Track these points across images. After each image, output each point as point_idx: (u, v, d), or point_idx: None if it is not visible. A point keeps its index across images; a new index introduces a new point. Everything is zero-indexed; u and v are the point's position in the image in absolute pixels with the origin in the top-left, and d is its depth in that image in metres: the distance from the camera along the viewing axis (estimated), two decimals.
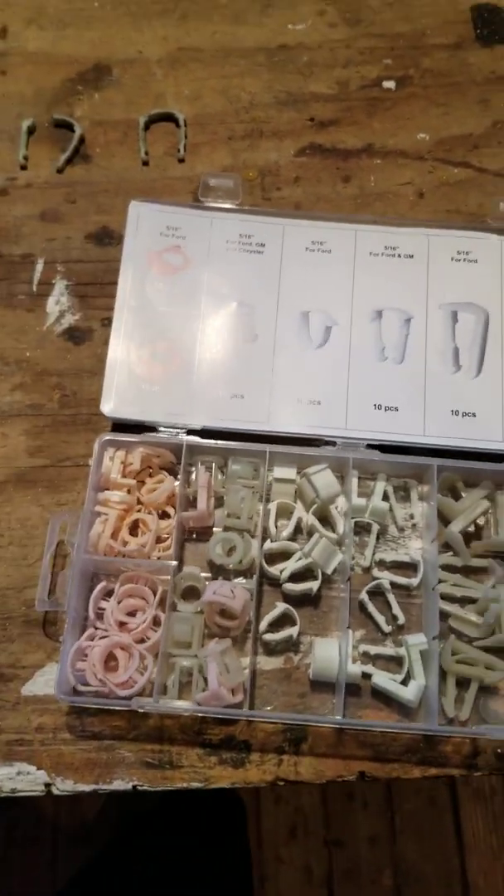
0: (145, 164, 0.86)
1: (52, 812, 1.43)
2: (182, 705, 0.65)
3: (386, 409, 0.73)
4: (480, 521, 0.72)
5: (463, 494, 0.73)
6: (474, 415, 0.73)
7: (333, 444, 0.72)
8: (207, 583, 0.68)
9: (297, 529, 0.72)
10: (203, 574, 0.71)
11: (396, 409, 0.73)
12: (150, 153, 0.86)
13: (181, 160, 0.86)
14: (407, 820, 1.49)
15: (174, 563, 0.68)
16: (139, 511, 0.71)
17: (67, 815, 1.43)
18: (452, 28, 0.93)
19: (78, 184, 0.85)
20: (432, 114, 0.89)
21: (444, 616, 0.70)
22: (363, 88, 0.90)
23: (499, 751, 0.66)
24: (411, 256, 0.78)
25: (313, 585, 0.69)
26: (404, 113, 0.89)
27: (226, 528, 0.71)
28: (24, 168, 0.85)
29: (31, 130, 0.86)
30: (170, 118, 0.87)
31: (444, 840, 1.47)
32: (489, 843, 1.48)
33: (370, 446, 0.72)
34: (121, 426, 0.74)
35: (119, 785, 0.65)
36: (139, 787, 0.65)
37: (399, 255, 0.78)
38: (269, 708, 0.67)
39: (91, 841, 1.40)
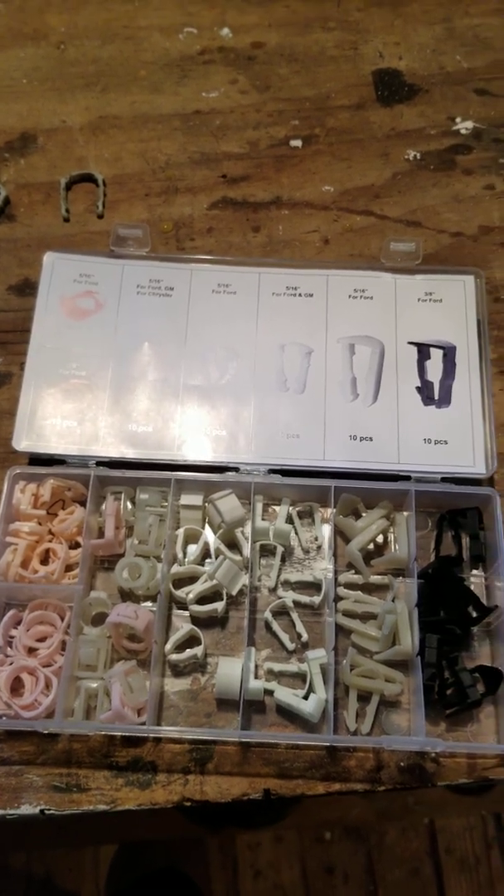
0: (66, 220, 0.91)
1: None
2: (84, 724, 0.66)
3: (288, 437, 0.77)
4: (380, 540, 0.75)
5: (364, 515, 0.75)
6: (371, 439, 0.77)
7: (237, 469, 0.76)
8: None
9: (207, 554, 0.75)
10: (113, 601, 0.73)
11: (298, 435, 0.77)
12: (71, 211, 0.92)
13: (100, 216, 0.91)
14: (390, 893, 1.46)
15: (80, 586, 0.70)
16: (51, 541, 0.74)
17: None
18: (355, 91, 1.00)
19: (1, 241, 0.90)
20: (336, 168, 0.95)
21: (347, 633, 0.72)
22: (272, 147, 0.97)
23: (402, 764, 0.68)
24: (311, 295, 0.83)
25: (218, 606, 0.71)
26: (310, 168, 0.95)
27: (136, 556, 0.74)
28: None
29: None
30: (90, 179, 0.93)
31: None
32: None
33: (273, 471, 0.76)
34: (37, 462, 0.77)
35: (27, 809, 0.66)
36: (47, 811, 0.66)
37: (300, 295, 0.83)
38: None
39: None
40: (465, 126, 0.98)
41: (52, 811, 0.66)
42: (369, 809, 1.55)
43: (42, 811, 0.66)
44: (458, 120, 0.98)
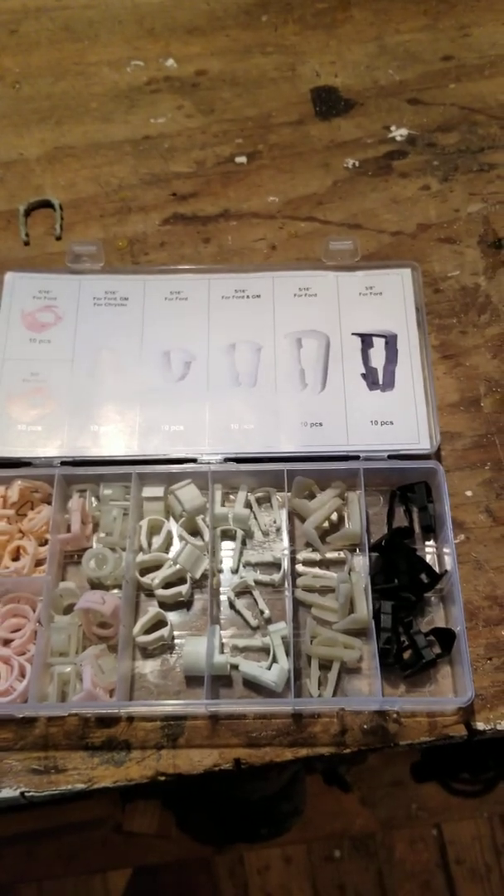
0: (26, 244, 0.96)
1: None
2: (58, 706, 0.69)
3: (243, 427, 0.81)
4: (335, 518, 0.79)
5: (318, 496, 0.79)
6: (321, 424, 0.81)
7: (195, 460, 0.79)
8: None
9: (171, 543, 0.79)
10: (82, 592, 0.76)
11: (252, 426, 0.81)
12: (30, 235, 0.97)
13: (58, 238, 0.97)
14: None
15: (48, 577, 0.73)
16: (21, 539, 0.77)
17: None
18: (294, 108, 1.06)
19: None
20: (280, 179, 1.01)
21: (308, 607, 0.75)
22: (218, 164, 1.02)
23: (365, 727, 0.71)
24: (259, 296, 0.88)
25: (182, 589, 0.75)
26: (256, 181, 1.01)
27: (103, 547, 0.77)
28: None
29: None
30: (48, 205, 0.99)
31: None
32: None
33: (229, 460, 0.79)
34: (4, 465, 0.81)
35: (7, 793, 0.69)
36: (26, 794, 0.69)
37: (248, 296, 0.88)
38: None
39: None
40: (399, 133, 1.03)
41: (31, 793, 0.69)
42: (372, 818, 1.56)
43: (22, 794, 0.69)
44: (392, 128, 1.04)
